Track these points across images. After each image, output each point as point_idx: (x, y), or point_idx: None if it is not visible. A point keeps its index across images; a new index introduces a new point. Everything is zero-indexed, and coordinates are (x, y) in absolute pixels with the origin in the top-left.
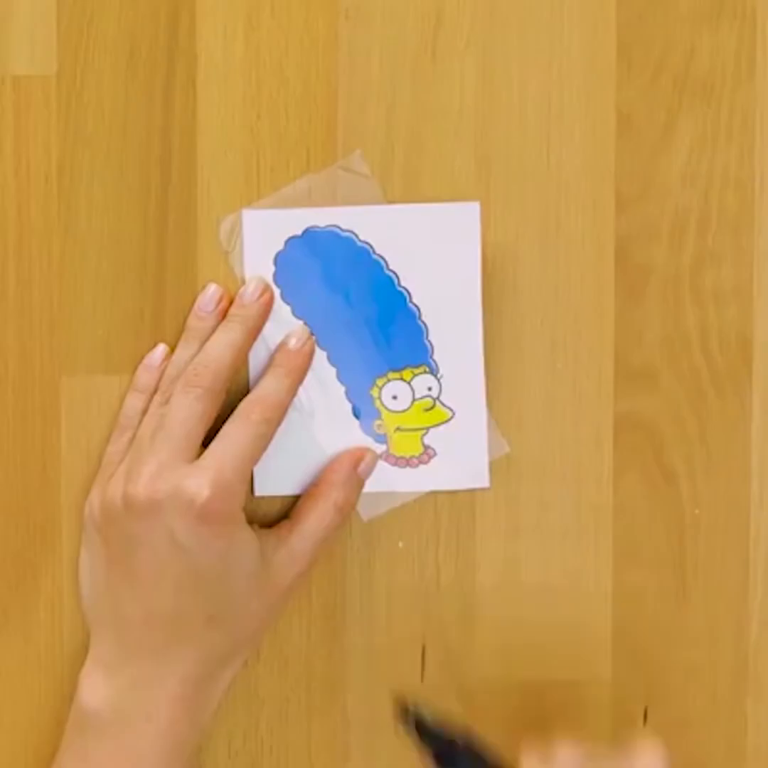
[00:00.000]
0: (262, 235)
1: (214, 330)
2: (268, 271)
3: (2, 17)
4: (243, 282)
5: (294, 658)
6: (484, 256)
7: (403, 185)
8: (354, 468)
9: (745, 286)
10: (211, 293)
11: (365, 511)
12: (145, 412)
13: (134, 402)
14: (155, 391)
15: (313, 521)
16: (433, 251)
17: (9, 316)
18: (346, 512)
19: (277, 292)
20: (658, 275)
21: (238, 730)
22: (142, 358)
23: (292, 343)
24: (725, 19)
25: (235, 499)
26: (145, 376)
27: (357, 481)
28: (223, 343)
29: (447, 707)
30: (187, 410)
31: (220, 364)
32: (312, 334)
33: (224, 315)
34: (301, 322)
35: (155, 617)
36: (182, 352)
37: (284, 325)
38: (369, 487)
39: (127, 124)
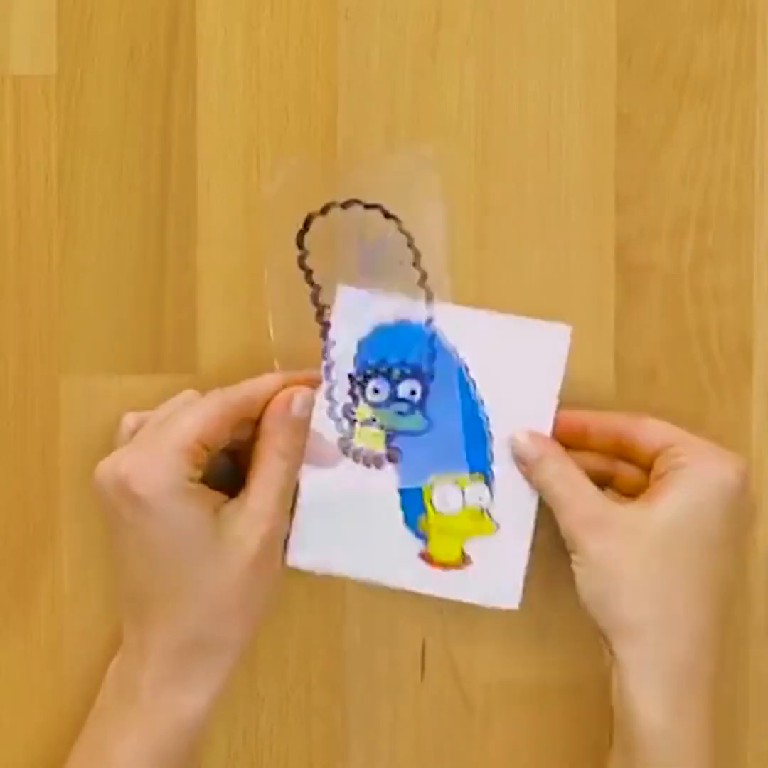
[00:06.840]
0: (352, 315)
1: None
2: (349, 355)
3: (2, 17)
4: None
5: (294, 658)
6: (480, 252)
7: None
8: (286, 410)
9: (745, 286)
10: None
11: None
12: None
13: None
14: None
15: (262, 475)
16: (516, 366)
17: (9, 316)
18: (293, 458)
19: (355, 371)
20: (658, 275)
21: (238, 730)
22: (142, 358)
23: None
24: (725, 19)
25: (156, 476)
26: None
27: (292, 422)
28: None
29: (447, 707)
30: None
31: None
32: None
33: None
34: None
35: (127, 594)
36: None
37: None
38: (401, 584)
39: (127, 124)
